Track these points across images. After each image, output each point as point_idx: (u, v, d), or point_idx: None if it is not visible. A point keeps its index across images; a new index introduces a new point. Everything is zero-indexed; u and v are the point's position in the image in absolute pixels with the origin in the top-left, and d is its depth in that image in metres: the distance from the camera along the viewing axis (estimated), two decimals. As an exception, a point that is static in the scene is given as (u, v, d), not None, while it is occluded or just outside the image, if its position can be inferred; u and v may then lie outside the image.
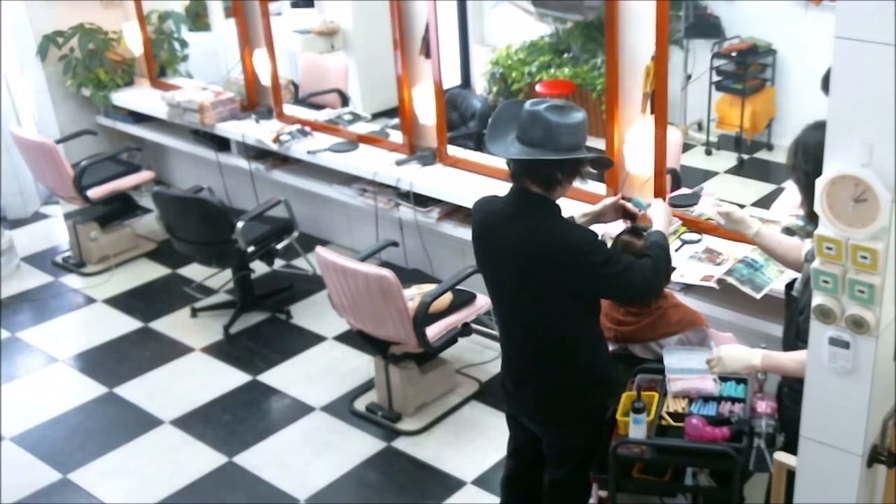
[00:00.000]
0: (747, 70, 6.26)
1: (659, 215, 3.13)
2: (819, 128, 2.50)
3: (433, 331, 4.02)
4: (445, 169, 4.92)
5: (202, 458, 4.14)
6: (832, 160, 2.01)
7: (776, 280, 3.47)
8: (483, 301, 4.21)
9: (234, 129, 5.69)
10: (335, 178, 5.27)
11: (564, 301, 2.83)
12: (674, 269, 3.31)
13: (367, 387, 4.49)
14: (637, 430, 2.78)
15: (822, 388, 2.21)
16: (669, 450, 2.82)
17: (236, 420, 4.38)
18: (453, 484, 3.90)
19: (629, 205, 3.21)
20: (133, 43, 6.43)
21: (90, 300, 5.53)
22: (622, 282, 2.82)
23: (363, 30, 6.64)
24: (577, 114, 2.75)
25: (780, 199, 4.11)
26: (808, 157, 2.50)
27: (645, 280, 2.86)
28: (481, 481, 3.89)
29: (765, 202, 4.92)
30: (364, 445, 4.15)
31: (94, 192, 5.72)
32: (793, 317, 2.73)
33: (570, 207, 3.20)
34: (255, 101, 5.87)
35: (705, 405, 2.89)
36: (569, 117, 2.73)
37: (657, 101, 3.91)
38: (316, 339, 4.99)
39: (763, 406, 2.78)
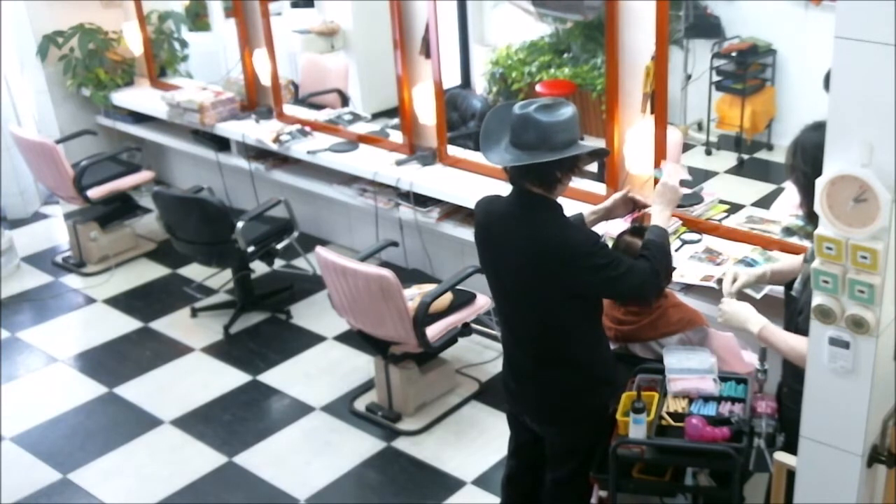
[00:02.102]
0: (747, 70, 6.25)
1: (659, 204, 3.08)
2: (818, 128, 2.50)
3: (433, 331, 4.02)
4: (445, 169, 4.92)
5: (202, 458, 4.14)
6: (832, 160, 2.01)
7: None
8: (483, 301, 4.21)
9: (234, 129, 5.69)
10: (335, 178, 5.27)
11: (566, 301, 2.83)
12: (674, 268, 3.30)
13: (367, 387, 4.49)
14: (637, 430, 2.78)
15: (822, 388, 2.21)
16: (669, 450, 2.82)
17: (236, 420, 4.38)
18: (453, 484, 3.90)
19: (639, 197, 3.20)
20: (133, 43, 6.43)
21: (90, 300, 5.53)
22: (622, 285, 2.81)
23: (363, 30, 6.64)
24: (566, 109, 2.73)
25: (780, 199, 4.11)
26: (806, 158, 2.50)
27: (644, 284, 2.86)
28: (481, 481, 3.89)
29: (765, 202, 4.91)
30: (364, 445, 4.15)
31: (94, 192, 5.72)
32: (792, 317, 2.73)
33: (574, 207, 3.21)
34: (255, 101, 5.87)
35: (705, 405, 2.89)
36: (559, 115, 2.71)
37: (657, 101, 3.91)
38: (316, 339, 4.99)
39: (763, 406, 2.78)
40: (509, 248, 2.84)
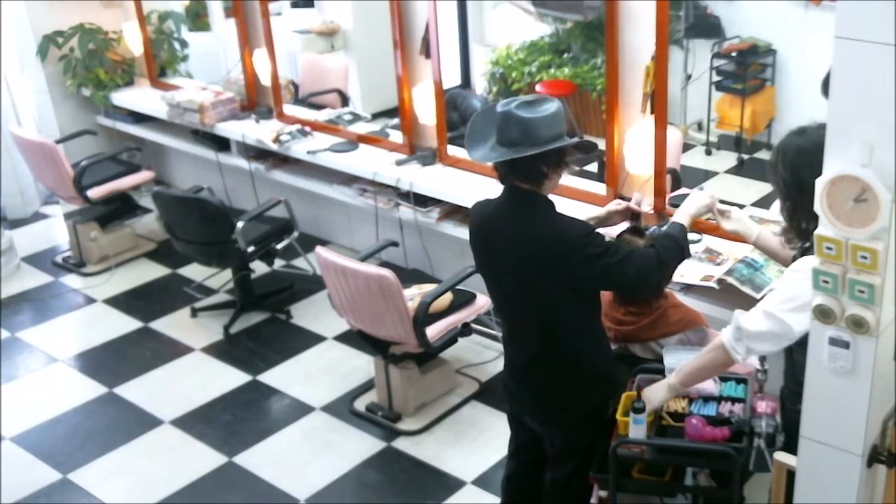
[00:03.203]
0: (747, 70, 6.25)
1: (687, 204, 3.04)
2: (802, 133, 2.51)
3: (433, 331, 4.02)
4: (445, 169, 4.92)
5: (202, 458, 4.14)
6: (832, 160, 2.01)
7: (776, 280, 3.47)
8: (483, 301, 4.21)
9: (234, 129, 5.69)
10: (335, 178, 5.27)
11: (564, 299, 2.83)
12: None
13: (367, 387, 4.49)
14: (637, 430, 2.77)
15: (822, 388, 2.21)
16: (669, 450, 2.82)
17: (236, 420, 4.38)
18: (453, 484, 3.90)
19: (634, 206, 3.18)
20: (133, 43, 6.43)
21: (90, 300, 5.53)
22: (620, 273, 2.78)
23: (363, 30, 6.63)
24: (549, 105, 2.72)
25: (780, 199, 4.11)
26: (786, 164, 2.50)
27: (642, 271, 2.81)
28: (481, 481, 3.89)
29: (765, 202, 4.90)
30: (364, 445, 4.15)
31: (94, 192, 5.72)
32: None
33: (572, 209, 3.20)
34: (255, 101, 5.87)
35: (705, 405, 2.89)
36: (541, 110, 2.70)
37: (657, 101, 3.91)
38: (316, 339, 4.99)
39: (763, 406, 2.78)
40: (504, 248, 2.84)
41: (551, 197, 2.84)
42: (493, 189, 3.07)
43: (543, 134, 2.70)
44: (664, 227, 3.00)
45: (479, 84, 7.02)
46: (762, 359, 2.90)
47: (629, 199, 3.25)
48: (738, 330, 2.56)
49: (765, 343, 2.53)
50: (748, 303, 3.49)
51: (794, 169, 2.47)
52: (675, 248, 2.90)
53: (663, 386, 2.82)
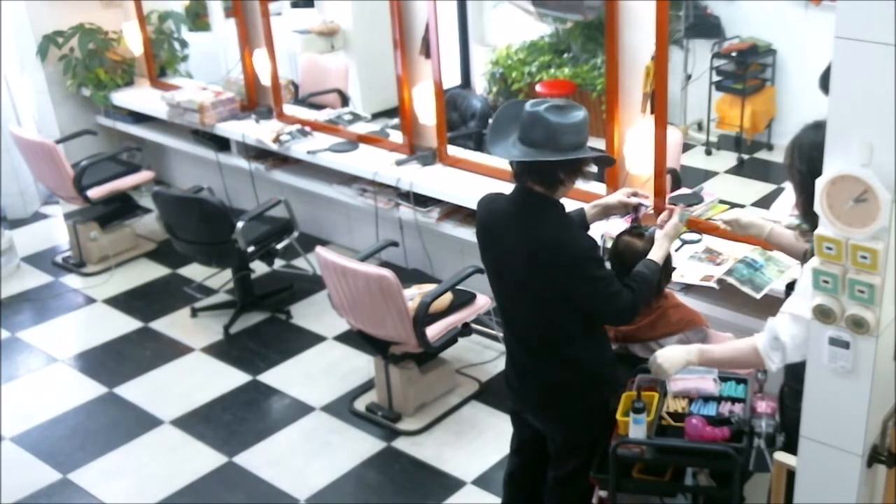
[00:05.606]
0: (747, 70, 6.26)
1: (660, 242, 3.04)
2: (817, 127, 2.51)
3: (433, 331, 4.02)
4: (445, 169, 4.92)
5: (202, 458, 4.14)
6: (832, 160, 2.01)
7: (776, 280, 3.48)
8: (483, 301, 4.21)
9: (234, 129, 5.69)
10: (335, 178, 5.27)
11: (564, 302, 2.83)
12: (674, 268, 3.31)
13: (367, 387, 4.49)
14: (637, 430, 2.78)
15: (822, 388, 2.21)
16: (669, 450, 2.82)
17: (236, 420, 4.38)
18: (453, 484, 3.90)
19: (636, 199, 3.18)
20: (133, 43, 6.43)
21: (90, 300, 5.53)
22: (605, 305, 2.83)
23: (363, 30, 6.64)
24: (577, 113, 2.75)
25: (780, 198, 4.11)
26: (802, 157, 2.50)
27: (622, 312, 2.86)
28: (481, 481, 3.90)
29: (765, 202, 4.92)
30: (364, 445, 4.15)
31: (94, 192, 5.72)
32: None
33: (573, 206, 3.21)
34: (255, 101, 5.87)
35: (705, 405, 2.89)
36: (569, 117, 2.72)
37: (657, 101, 3.91)
38: (316, 339, 4.99)
39: (763, 406, 2.78)
40: (509, 247, 2.84)
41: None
42: (492, 189, 3.07)
43: (567, 140, 2.71)
44: (638, 268, 2.96)
45: (479, 84, 7.03)
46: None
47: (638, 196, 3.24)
48: (776, 340, 2.52)
49: (798, 351, 2.50)
50: (748, 303, 3.50)
51: (811, 163, 2.45)
52: (649, 290, 2.94)
53: (682, 355, 2.79)
